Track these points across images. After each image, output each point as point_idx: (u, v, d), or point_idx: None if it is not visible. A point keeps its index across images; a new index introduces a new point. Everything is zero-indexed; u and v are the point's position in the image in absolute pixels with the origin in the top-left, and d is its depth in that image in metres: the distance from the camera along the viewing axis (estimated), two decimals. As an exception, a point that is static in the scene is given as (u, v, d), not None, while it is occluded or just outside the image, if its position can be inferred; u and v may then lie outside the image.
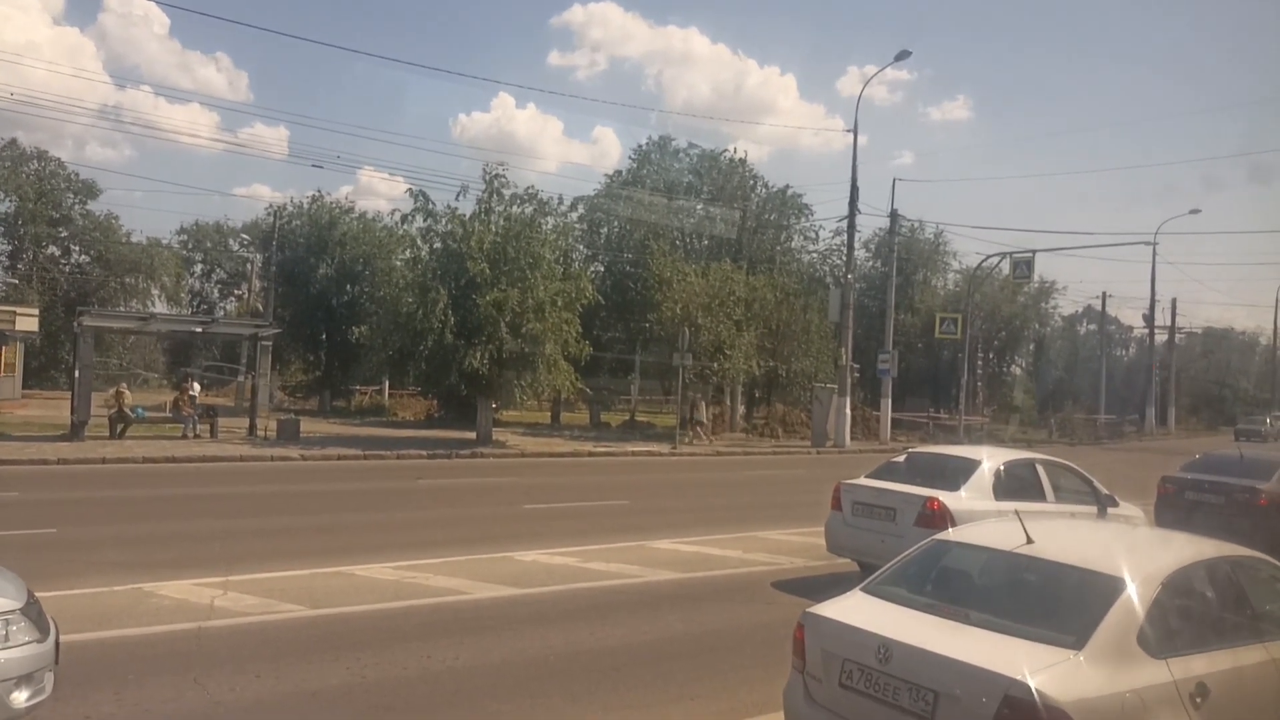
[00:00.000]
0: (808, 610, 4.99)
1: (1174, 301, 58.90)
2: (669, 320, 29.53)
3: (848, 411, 31.02)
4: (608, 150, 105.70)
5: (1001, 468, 9.84)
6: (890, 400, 34.29)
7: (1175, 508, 13.27)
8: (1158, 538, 6.56)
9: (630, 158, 44.28)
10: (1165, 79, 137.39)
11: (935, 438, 34.82)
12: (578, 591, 9.26)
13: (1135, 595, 4.37)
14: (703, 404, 28.45)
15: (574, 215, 34.36)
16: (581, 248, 38.56)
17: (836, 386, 31.00)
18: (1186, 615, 4.70)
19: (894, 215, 35.68)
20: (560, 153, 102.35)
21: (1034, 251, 35.50)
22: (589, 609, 8.66)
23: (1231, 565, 5.15)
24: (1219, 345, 72.55)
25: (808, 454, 28.83)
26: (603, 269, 38.28)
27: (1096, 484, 10.23)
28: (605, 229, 40.05)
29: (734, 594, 9.63)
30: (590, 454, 24.84)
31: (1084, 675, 4.01)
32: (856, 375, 33.30)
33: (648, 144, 43.55)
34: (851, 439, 30.95)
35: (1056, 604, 4.63)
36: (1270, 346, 70.37)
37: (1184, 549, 5.18)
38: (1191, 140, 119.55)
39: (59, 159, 49.19)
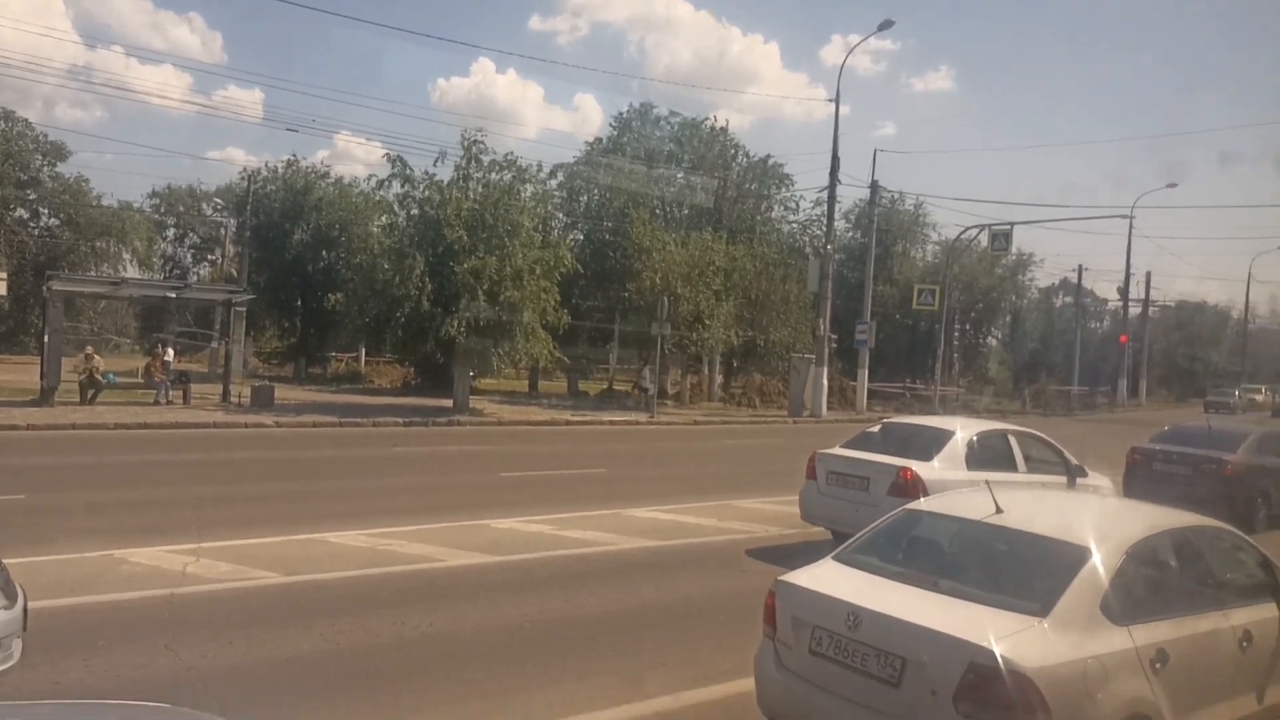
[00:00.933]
0: (780, 578, 5.04)
1: (1148, 275, 59.44)
2: (648, 289, 29.45)
3: (825, 381, 31.16)
4: (589, 117, 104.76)
5: (974, 438, 9.94)
6: (867, 371, 34.51)
7: (1143, 478, 13.49)
8: (1124, 508, 6.66)
9: (611, 125, 43.88)
10: (1146, 54, 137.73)
11: (911, 408, 35.10)
12: (553, 559, 9.30)
13: (1100, 564, 4.44)
14: (646, 371, 28.58)
15: (553, 182, 34.09)
16: (560, 215, 38.29)
17: (814, 357, 31.11)
18: (1149, 583, 4.79)
19: (874, 186, 35.66)
20: (541, 119, 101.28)
21: (1012, 224, 35.65)
22: (564, 576, 8.69)
23: (1195, 535, 5.25)
24: (1192, 319, 73.35)
25: (785, 423, 29.01)
26: (582, 237, 38.02)
27: (1067, 455, 10.37)
28: (585, 197, 39.72)
29: (708, 562, 9.70)
30: (568, 423, 24.86)
31: (1048, 642, 4.07)
32: (834, 345, 33.41)
33: (629, 111, 43.09)
34: (828, 409, 31.13)
35: (1024, 573, 4.70)
36: (1242, 320, 71.34)
37: (1149, 519, 5.26)
38: (1171, 115, 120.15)
39: (27, 120, 48.05)
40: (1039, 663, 3.94)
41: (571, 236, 36.83)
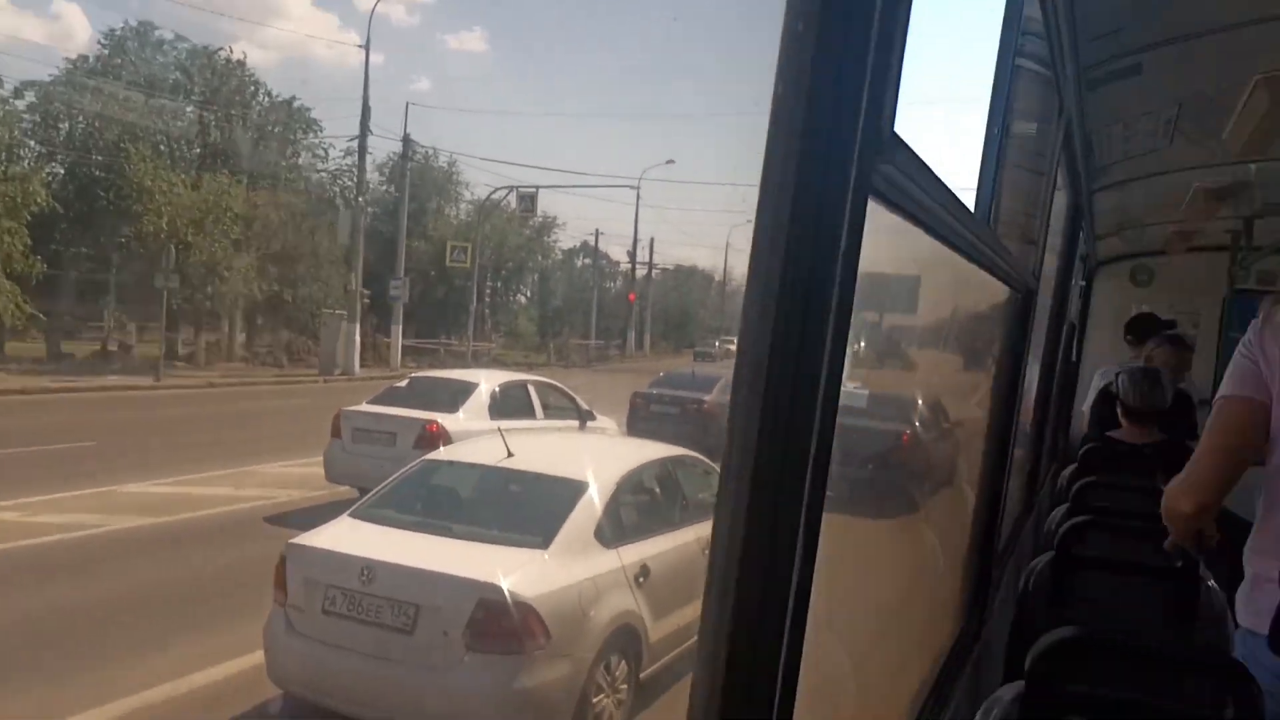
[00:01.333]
0: (290, 541, 4.84)
1: (652, 241, 67.27)
2: (150, 236, 26.11)
3: (357, 339, 30.57)
4: (73, 30, 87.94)
5: (497, 389, 10.48)
6: (401, 327, 34.43)
7: (643, 418, 15.40)
8: (620, 445, 7.51)
9: (101, 43, 37.60)
10: (648, 41, 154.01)
11: (446, 364, 35.72)
12: (17, 551, 7.86)
13: (595, 496, 4.93)
14: (132, 327, 25.90)
15: (21, 103, 28.49)
16: (33, 144, 32.09)
17: (346, 313, 30.27)
18: (636, 509, 5.44)
19: (406, 140, 35.52)
20: (5, 25, 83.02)
21: (537, 187, 38.06)
22: (33, 570, 7.44)
23: (674, 464, 6.07)
24: (686, 280, 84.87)
25: (314, 383, 27.78)
26: (63, 171, 32.28)
27: (579, 401, 11.38)
28: (67, 124, 33.72)
29: (220, 534, 8.96)
30: (46, 390, 21.12)
31: (548, 571, 4.42)
32: (368, 301, 32.87)
33: (124, 29, 37.32)
34: (362, 366, 30.53)
35: (531, 510, 5.05)
36: (721, 282, 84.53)
37: (638, 453, 5.98)
38: (669, 98, 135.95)
39: None
40: (540, 590, 4.27)
41: (49, 169, 31.07)
